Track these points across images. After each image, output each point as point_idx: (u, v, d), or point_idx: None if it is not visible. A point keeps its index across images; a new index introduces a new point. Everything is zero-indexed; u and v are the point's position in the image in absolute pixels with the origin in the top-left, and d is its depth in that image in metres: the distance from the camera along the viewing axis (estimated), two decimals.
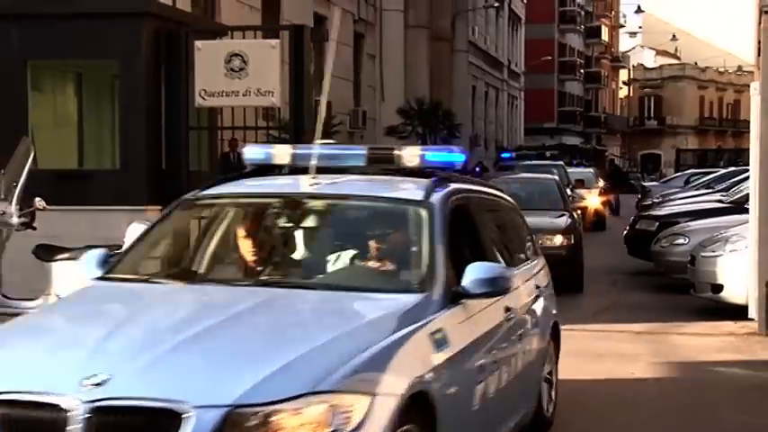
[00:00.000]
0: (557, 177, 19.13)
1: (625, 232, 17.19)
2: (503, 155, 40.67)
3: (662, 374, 8.64)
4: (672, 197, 23.39)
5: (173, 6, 16.30)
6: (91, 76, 11.87)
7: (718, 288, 11.64)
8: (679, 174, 42.70)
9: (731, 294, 11.45)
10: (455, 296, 4.91)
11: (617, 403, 7.65)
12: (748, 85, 13.04)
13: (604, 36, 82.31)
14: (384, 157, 5.85)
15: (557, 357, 7.16)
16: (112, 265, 5.45)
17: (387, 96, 34.67)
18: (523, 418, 6.14)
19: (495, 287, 4.99)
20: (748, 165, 12.37)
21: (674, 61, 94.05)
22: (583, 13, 75.27)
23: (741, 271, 11.07)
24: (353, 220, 5.70)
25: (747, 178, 13.51)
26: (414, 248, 5.14)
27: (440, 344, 4.55)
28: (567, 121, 70.53)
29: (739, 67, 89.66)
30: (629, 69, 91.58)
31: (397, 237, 5.36)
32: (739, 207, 14.08)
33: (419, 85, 35.81)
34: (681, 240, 13.82)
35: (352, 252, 5.32)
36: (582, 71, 75.17)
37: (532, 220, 13.82)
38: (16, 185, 9.09)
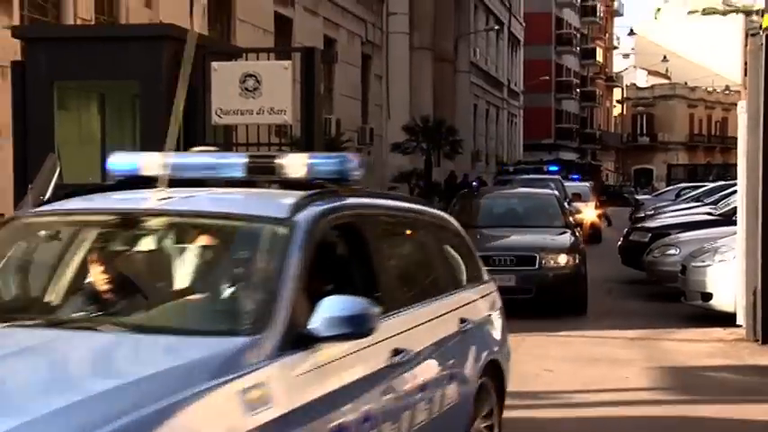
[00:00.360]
0: (556, 192, 17.56)
1: (619, 243, 17.17)
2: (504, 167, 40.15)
3: (654, 378, 8.63)
4: (663, 210, 23.37)
5: (190, 30, 16.35)
6: (113, 95, 11.91)
7: (708, 296, 11.62)
8: (670, 188, 42.68)
9: (720, 302, 11.43)
10: (301, 340, 3.71)
11: (616, 404, 7.65)
12: (735, 104, 13.05)
13: (599, 57, 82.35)
14: (265, 167, 4.73)
15: (500, 403, 5.72)
16: None
17: (393, 114, 34.71)
18: None
19: (355, 328, 3.75)
20: (736, 179, 12.37)
21: (665, 81, 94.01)
22: (578, 35, 75.35)
23: (729, 280, 11.06)
24: (196, 242, 4.40)
25: (735, 192, 13.50)
26: (256, 279, 3.99)
27: (255, 404, 3.37)
28: (563, 138, 70.54)
29: (727, 87, 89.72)
30: (623, 89, 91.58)
31: (243, 264, 4.23)
32: (728, 219, 14.07)
33: (423, 103, 35.85)
34: (672, 251, 13.81)
35: (186, 282, 4.25)
36: (578, 90, 75.23)
37: (533, 237, 13.14)
38: (43, 198, 9.13)
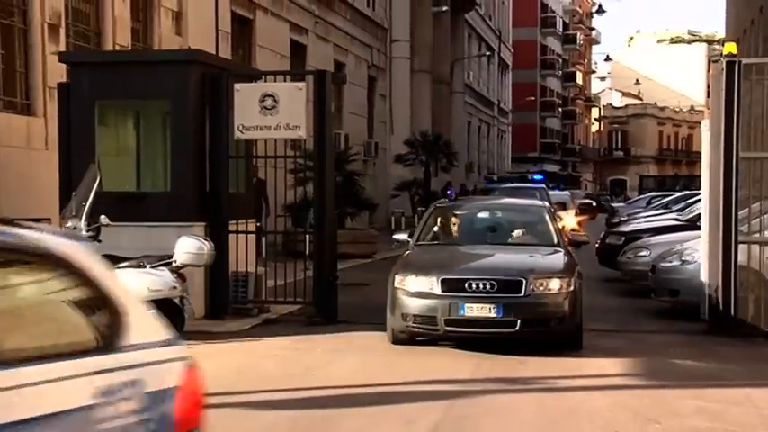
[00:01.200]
0: (546, 203, 13.25)
1: (596, 246, 17.15)
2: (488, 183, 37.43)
3: (627, 365, 8.62)
4: (636, 216, 23.33)
5: (215, 55, 16.39)
6: (147, 113, 11.93)
7: (675, 293, 11.61)
8: (642, 196, 42.59)
9: (686, 298, 11.41)
10: None
11: (592, 388, 7.65)
12: (700, 122, 13.04)
13: (579, 80, 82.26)
14: None
15: None
16: None
17: (395, 130, 34.71)
18: None
19: None
20: (700, 189, 12.35)
21: (638, 102, 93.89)
22: (560, 60, 75.31)
23: (694, 278, 11.04)
24: None
25: (699, 200, 13.49)
26: None
27: None
28: (547, 152, 70.48)
29: (692, 107, 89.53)
30: (600, 108, 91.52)
31: None
32: (693, 225, 14.05)
33: (423, 120, 35.85)
34: (643, 252, 13.79)
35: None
36: (560, 109, 75.16)
37: (519, 258, 9.73)
38: (85, 205, 9.14)
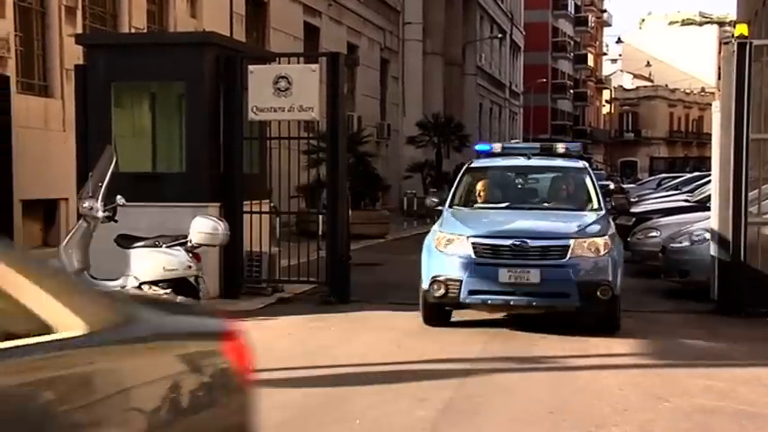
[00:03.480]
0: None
1: None
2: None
3: (637, 345, 8.61)
4: (646, 197, 23.23)
5: (230, 37, 16.37)
6: (162, 94, 11.93)
7: (685, 273, 11.58)
8: (652, 178, 42.41)
9: (695, 279, 11.38)
10: None
11: (602, 367, 7.64)
12: (710, 104, 12.96)
13: (590, 62, 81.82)
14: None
15: None
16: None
17: (408, 112, 34.63)
18: None
19: None
20: (710, 170, 12.29)
21: (648, 83, 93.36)
22: (572, 42, 74.87)
23: (703, 259, 11.00)
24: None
25: (709, 182, 13.41)
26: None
27: None
28: (558, 133, 70.12)
29: (702, 89, 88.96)
30: (611, 90, 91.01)
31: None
32: (702, 206, 13.98)
33: (435, 102, 35.76)
34: (654, 233, 13.74)
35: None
36: (571, 91, 74.80)
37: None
38: (101, 185, 9.17)
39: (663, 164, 67.84)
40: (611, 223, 9.46)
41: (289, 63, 11.50)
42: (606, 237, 8.76)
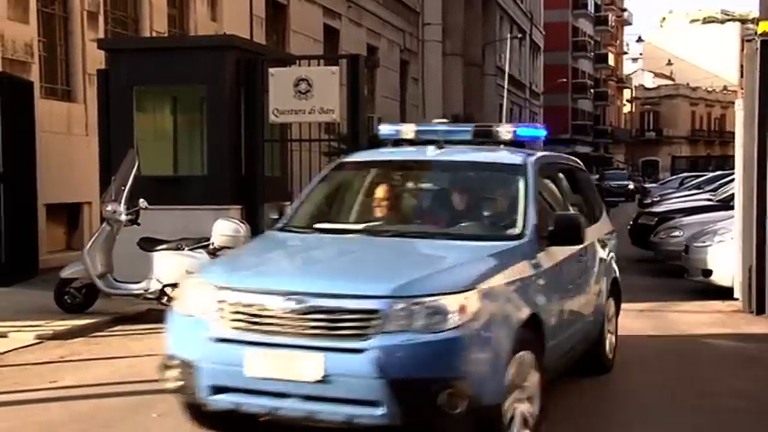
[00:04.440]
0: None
1: (629, 226, 17.00)
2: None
3: (661, 346, 8.55)
4: (668, 197, 23.09)
5: (250, 40, 16.41)
6: (184, 98, 11.97)
7: (708, 273, 11.50)
8: (674, 177, 42.10)
9: (719, 278, 11.30)
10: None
11: (630, 362, 7.59)
12: (733, 102, 12.86)
13: (611, 61, 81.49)
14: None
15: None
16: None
17: (428, 113, 34.60)
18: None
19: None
20: (733, 169, 12.19)
21: (670, 82, 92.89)
22: (592, 42, 74.59)
23: (727, 258, 10.93)
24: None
25: (732, 180, 13.32)
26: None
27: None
28: (579, 133, 69.93)
29: (725, 87, 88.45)
30: (632, 89, 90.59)
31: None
32: (726, 205, 13.88)
33: (455, 103, 35.70)
34: (676, 233, 13.67)
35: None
36: (592, 91, 74.51)
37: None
38: (124, 189, 9.22)
39: (685, 163, 67.38)
40: (536, 261, 5.40)
41: (309, 65, 11.51)
42: (475, 291, 4.59)
